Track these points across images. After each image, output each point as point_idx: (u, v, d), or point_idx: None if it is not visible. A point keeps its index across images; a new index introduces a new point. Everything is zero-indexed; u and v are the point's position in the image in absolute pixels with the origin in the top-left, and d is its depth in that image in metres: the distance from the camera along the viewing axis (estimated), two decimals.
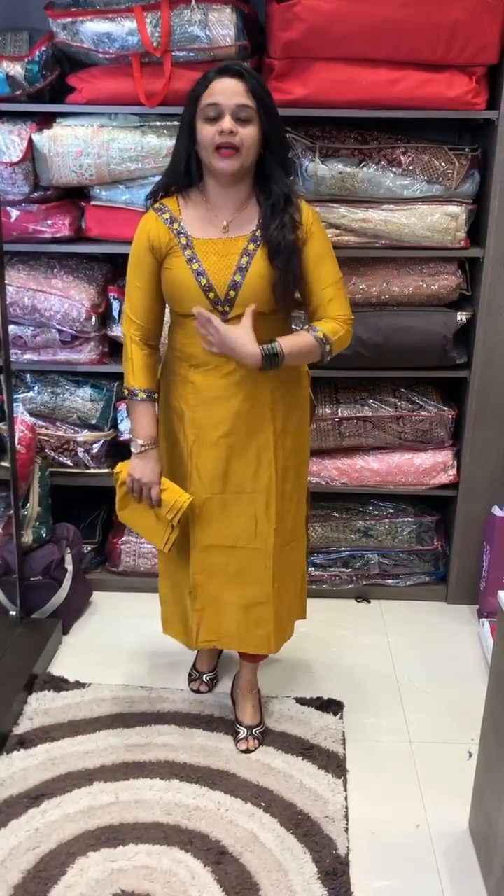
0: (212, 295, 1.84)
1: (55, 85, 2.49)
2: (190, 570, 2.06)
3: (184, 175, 1.86)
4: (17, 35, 2.50)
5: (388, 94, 2.37)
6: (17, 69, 2.39)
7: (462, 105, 2.40)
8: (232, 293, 1.83)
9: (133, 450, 1.98)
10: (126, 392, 2.00)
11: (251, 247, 1.83)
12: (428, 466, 2.80)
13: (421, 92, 2.37)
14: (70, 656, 2.58)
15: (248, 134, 1.75)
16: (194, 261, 1.83)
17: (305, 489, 2.15)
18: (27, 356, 2.74)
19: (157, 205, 1.90)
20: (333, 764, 2.13)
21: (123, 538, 2.90)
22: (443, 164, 2.49)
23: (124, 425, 2.79)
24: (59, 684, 2.40)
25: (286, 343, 1.81)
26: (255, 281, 1.82)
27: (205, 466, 1.97)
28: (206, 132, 1.75)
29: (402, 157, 2.48)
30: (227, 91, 1.73)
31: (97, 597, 2.87)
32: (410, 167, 2.49)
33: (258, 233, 1.84)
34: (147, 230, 1.88)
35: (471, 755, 2.17)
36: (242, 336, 1.77)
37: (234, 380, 1.90)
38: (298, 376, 2.02)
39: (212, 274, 1.83)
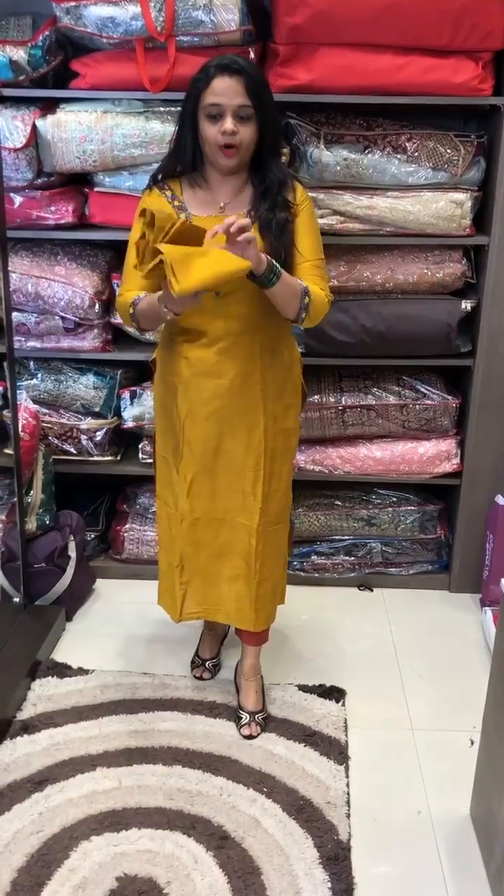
0: None
1: (59, 70, 2.47)
2: (179, 542, 2.11)
3: (189, 163, 1.94)
4: (21, 19, 2.48)
5: (394, 79, 2.36)
6: (20, 54, 2.38)
7: (468, 91, 2.38)
8: None
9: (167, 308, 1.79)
10: (131, 310, 1.91)
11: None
12: (431, 455, 2.79)
13: (426, 78, 2.36)
14: (73, 643, 2.58)
15: (248, 132, 1.85)
16: None
17: (291, 475, 2.18)
18: (30, 343, 2.73)
19: (160, 184, 1.97)
20: (335, 751, 2.14)
21: (127, 526, 2.91)
22: (448, 150, 2.47)
23: (128, 413, 2.79)
24: (63, 671, 2.41)
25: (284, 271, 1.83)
26: None
27: (196, 440, 2.02)
28: (210, 131, 1.84)
29: (407, 144, 2.47)
30: (228, 91, 1.81)
31: (100, 584, 2.88)
32: (416, 154, 2.47)
33: (252, 212, 1.92)
34: (148, 205, 1.93)
35: (472, 742, 2.18)
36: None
37: (226, 356, 1.96)
38: (291, 360, 2.07)
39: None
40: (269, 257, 1.80)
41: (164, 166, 1.99)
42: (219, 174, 1.93)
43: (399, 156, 2.47)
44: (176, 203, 1.94)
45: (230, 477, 2.05)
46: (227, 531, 2.08)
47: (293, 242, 1.92)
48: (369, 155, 2.46)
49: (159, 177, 1.99)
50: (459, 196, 2.51)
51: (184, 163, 1.95)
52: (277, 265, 1.81)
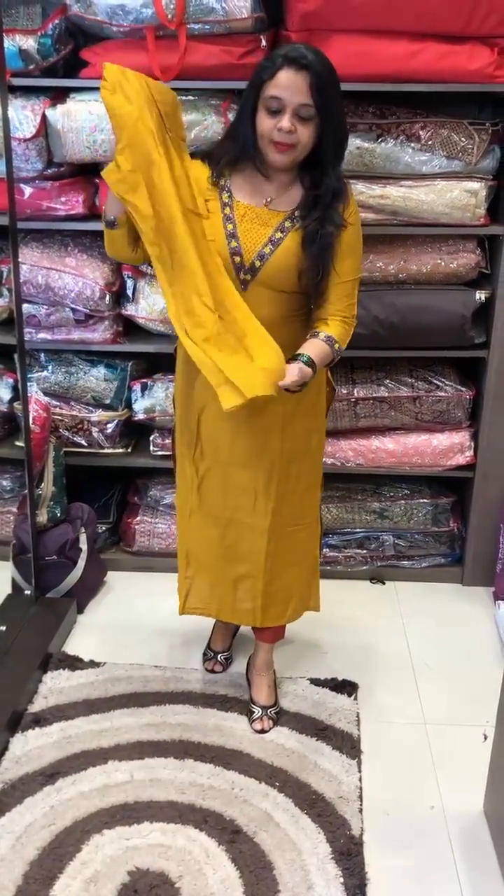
0: (237, 259, 1.86)
1: (69, 59, 2.45)
2: (186, 536, 2.11)
3: (250, 152, 1.84)
4: (30, 8, 2.45)
5: (408, 66, 2.32)
6: (29, 43, 2.36)
7: (483, 78, 2.34)
8: (258, 263, 1.85)
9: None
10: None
11: (287, 224, 1.86)
12: (445, 447, 2.77)
13: (441, 65, 2.32)
14: (85, 635, 2.58)
15: (306, 133, 1.77)
16: (230, 222, 1.86)
17: (319, 475, 2.14)
18: (41, 335, 2.72)
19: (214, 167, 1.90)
20: (348, 745, 2.13)
21: (138, 518, 2.90)
22: (462, 139, 2.44)
23: (138, 405, 2.78)
24: (74, 663, 2.41)
25: (313, 353, 1.84)
26: (283, 257, 1.84)
27: (210, 436, 2.01)
28: (266, 124, 1.77)
29: (421, 132, 2.44)
30: (292, 87, 1.73)
31: (112, 576, 2.88)
32: (429, 142, 2.44)
33: (297, 213, 1.86)
34: (194, 163, 1.89)
35: (486, 737, 2.17)
36: (293, 368, 1.80)
37: None
38: None
39: (243, 240, 1.85)
40: (301, 365, 1.79)
41: (219, 151, 1.89)
42: (270, 168, 1.85)
43: (413, 144, 2.44)
44: (221, 182, 1.87)
45: (242, 475, 2.01)
46: (234, 532, 2.06)
47: (332, 259, 1.84)
48: (382, 143, 2.43)
49: (215, 160, 1.88)
50: (474, 185, 2.47)
51: (239, 150, 1.85)
52: (309, 358, 1.81)
